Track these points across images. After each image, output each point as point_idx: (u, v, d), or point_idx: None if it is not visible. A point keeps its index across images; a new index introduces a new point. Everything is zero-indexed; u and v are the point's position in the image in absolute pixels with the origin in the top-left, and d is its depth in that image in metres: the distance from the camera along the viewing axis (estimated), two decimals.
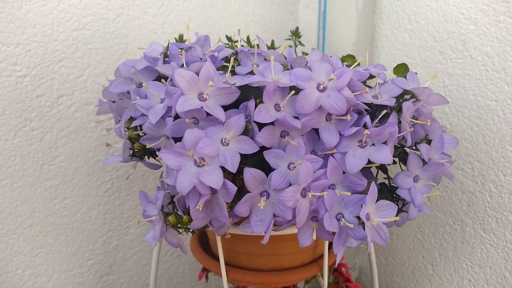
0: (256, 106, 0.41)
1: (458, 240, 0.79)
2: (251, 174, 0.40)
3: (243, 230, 0.43)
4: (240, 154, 0.41)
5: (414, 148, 0.49)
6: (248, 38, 0.67)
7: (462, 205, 0.77)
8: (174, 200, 0.43)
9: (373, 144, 0.43)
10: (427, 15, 0.77)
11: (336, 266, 0.76)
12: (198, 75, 0.42)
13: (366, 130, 0.41)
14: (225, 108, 0.43)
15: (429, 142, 0.49)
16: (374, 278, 0.73)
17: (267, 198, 0.42)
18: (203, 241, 0.66)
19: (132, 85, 0.47)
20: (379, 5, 0.85)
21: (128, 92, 0.48)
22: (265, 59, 0.48)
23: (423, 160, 0.47)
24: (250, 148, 0.41)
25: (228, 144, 0.41)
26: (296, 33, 0.67)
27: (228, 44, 0.65)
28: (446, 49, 0.75)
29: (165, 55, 0.48)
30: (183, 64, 0.45)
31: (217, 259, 0.62)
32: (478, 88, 0.71)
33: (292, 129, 0.42)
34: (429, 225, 0.84)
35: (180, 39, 0.67)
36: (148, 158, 0.50)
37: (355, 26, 0.80)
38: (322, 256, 0.62)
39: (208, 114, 0.41)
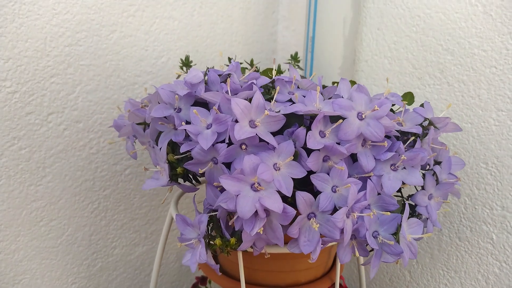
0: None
1: (435, 248, 0.86)
2: (302, 198, 0.43)
3: (291, 250, 0.45)
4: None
5: (426, 169, 0.54)
6: (253, 64, 0.69)
7: (439, 216, 0.85)
8: (230, 223, 0.45)
9: (404, 168, 0.47)
10: (406, 44, 0.85)
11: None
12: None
13: (403, 155, 0.46)
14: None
15: (438, 163, 0.55)
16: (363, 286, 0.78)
17: (314, 218, 0.45)
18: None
19: (171, 109, 0.48)
20: (360, 32, 0.92)
21: (165, 117, 0.48)
22: (298, 87, 0.51)
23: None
24: (299, 172, 0.44)
25: (279, 169, 0.43)
26: (295, 58, 0.71)
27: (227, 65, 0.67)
28: (425, 75, 0.83)
29: (205, 82, 0.49)
30: (227, 91, 0.46)
31: (230, 276, 0.63)
32: (454, 112, 0.79)
33: (335, 155, 0.45)
34: None
35: (187, 60, 0.68)
36: (184, 181, 0.50)
37: (341, 51, 0.86)
38: (330, 270, 0.66)
39: (260, 140, 0.44)
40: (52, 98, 0.74)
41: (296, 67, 0.75)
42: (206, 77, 0.49)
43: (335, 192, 0.45)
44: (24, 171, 0.73)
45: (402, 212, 0.47)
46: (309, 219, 0.45)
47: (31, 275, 0.78)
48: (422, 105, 0.53)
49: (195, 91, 0.48)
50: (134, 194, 0.88)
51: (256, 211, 0.41)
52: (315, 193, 0.45)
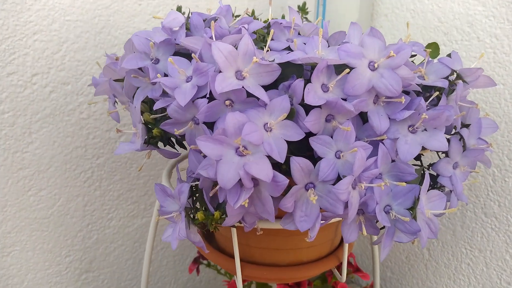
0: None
1: (458, 224, 0.78)
2: (298, 165, 0.36)
3: (285, 226, 0.38)
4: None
5: (451, 133, 0.46)
6: (253, 12, 0.61)
7: (464, 189, 0.76)
8: (210, 194, 0.38)
9: (424, 129, 0.39)
10: None
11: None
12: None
13: (424, 114, 0.37)
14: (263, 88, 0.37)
15: (466, 126, 0.46)
16: (376, 267, 0.71)
17: (313, 189, 0.37)
18: (206, 234, 0.60)
19: (148, 60, 0.41)
20: None
21: (140, 69, 0.41)
22: (299, 34, 0.43)
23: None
24: (295, 134, 0.36)
25: (271, 130, 0.36)
26: (303, 8, 0.62)
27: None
28: (452, 30, 0.73)
29: (186, 27, 0.42)
30: (211, 37, 0.38)
31: (224, 253, 0.57)
32: (485, 71, 0.69)
33: (340, 113, 0.37)
34: None
35: (179, 9, 0.59)
36: (165, 146, 0.43)
37: (357, 3, 0.76)
38: (338, 247, 0.59)
39: (248, 95, 0.36)
40: (36, 57, 0.68)
41: (304, 19, 0.66)
42: (189, 22, 0.42)
43: (339, 158, 0.37)
44: (8, 136, 0.68)
45: (420, 183, 0.39)
46: (307, 190, 0.37)
47: (21, 247, 0.74)
48: (449, 55, 0.44)
49: (175, 38, 0.40)
50: (130, 163, 0.82)
51: (241, 180, 0.33)
52: (315, 160, 0.38)
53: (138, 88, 0.41)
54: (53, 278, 0.79)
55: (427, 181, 0.38)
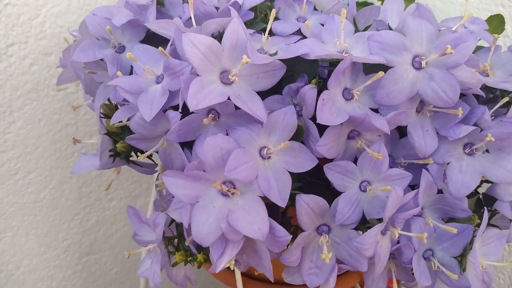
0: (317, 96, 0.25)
1: None
2: (307, 206, 0.26)
3: (288, 279, 0.29)
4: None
5: None
6: None
7: None
8: (187, 242, 0.28)
9: (487, 150, 0.28)
10: None
11: None
12: (220, 42, 0.25)
13: (489, 134, 0.26)
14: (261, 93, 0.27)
15: None
16: None
17: (327, 234, 0.27)
18: None
19: (108, 48, 0.30)
20: None
21: (102, 60, 0.31)
22: (315, 9, 0.31)
23: None
24: (304, 162, 0.26)
25: (270, 157, 0.25)
26: None
27: None
28: None
29: (159, 2, 0.30)
30: (190, 17, 0.27)
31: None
32: None
33: (369, 131, 0.26)
34: None
35: None
36: (137, 157, 0.34)
37: None
38: None
39: (237, 107, 0.25)
40: (10, 25, 0.58)
41: None
42: None
43: (364, 191, 0.27)
44: None
45: (474, 222, 0.29)
46: (320, 234, 0.27)
47: (12, 233, 0.68)
48: None
49: (143, 20, 0.29)
50: None
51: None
52: (332, 191, 0.27)
53: (101, 84, 0.31)
54: (51, 263, 0.74)
55: (485, 222, 0.28)
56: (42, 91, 0.63)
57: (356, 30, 0.31)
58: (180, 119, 0.25)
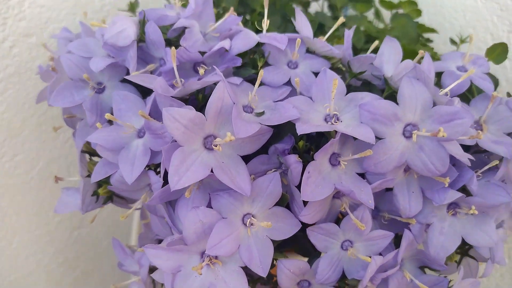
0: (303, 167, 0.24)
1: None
2: (288, 270, 0.26)
3: None
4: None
5: None
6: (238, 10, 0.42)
7: None
8: None
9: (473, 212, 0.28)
10: None
11: None
12: (204, 111, 0.24)
13: (473, 207, 0.26)
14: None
15: None
16: None
17: None
18: None
19: (87, 90, 0.28)
20: None
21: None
22: (308, 51, 0.29)
23: None
24: (288, 228, 0.26)
25: (253, 224, 0.25)
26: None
27: None
28: None
29: (140, 39, 0.28)
30: (171, 70, 0.25)
31: None
32: None
33: (354, 198, 0.26)
34: None
35: (132, 7, 0.44)
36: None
37: None
38: None
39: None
40: None
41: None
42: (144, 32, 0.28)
43: (346, 250, 0.27)
44: None
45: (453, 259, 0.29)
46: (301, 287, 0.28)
47: (2, 213, 0.69)
48: None
49: (123, 60, 0.28)
50: None
51: None
52: None
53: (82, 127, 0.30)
54: (43, 238, 0.76)
55: (460, 276, 0.28)
56: (24, 74, 0.61)
57: (350, 74, 0.30)
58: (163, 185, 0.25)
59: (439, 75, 0.33)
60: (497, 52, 0.36)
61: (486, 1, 0.47)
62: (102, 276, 0.83)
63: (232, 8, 0.29)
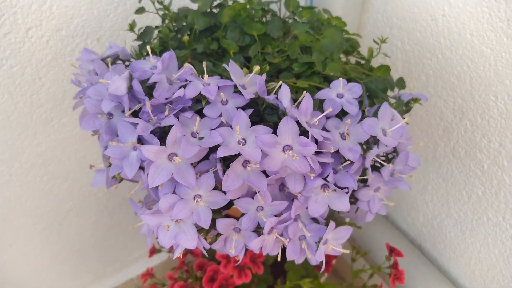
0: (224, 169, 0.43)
1: (429, 155, 0.86)
2: (223, 224, 0.46)
3: (215, 248, 0.50)
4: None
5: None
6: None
7: (438, 129, 0.81)
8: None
9: (334, 190, 0.46)
10: None
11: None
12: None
13: (328, 188, 0.44)
14: None
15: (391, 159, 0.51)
16: None
17: (239, 232, 0.48)
18: None
19: (102, 119, 0.47)
20: None
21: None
22: (234, 90, 0.46)
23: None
24: (221, 201, 0.45)
25: (199, 201, 0.45)
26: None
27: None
28: None
29: (130, 88, 0.46)
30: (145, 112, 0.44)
31: None
32: (476, 30, 0.65)
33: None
34: None
35: (131, 27, 0.59)
36: None
37: None
38: None
39: None
40: (25, 13, 0.71)
41: None
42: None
43: (258, 211, 0.47)
44: (22, 85, 0.78)
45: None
46: (235, 231, 0.48)
47: (57, 160, 0.92)
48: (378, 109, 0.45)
49: (121, 101, 0.46)
50: None
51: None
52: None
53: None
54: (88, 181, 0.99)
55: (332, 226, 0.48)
56: (60, 59, 0.79)
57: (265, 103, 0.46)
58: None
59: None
60: (382, 71, 0.50)
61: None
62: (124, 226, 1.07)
63: (185, 64, 0.45)
